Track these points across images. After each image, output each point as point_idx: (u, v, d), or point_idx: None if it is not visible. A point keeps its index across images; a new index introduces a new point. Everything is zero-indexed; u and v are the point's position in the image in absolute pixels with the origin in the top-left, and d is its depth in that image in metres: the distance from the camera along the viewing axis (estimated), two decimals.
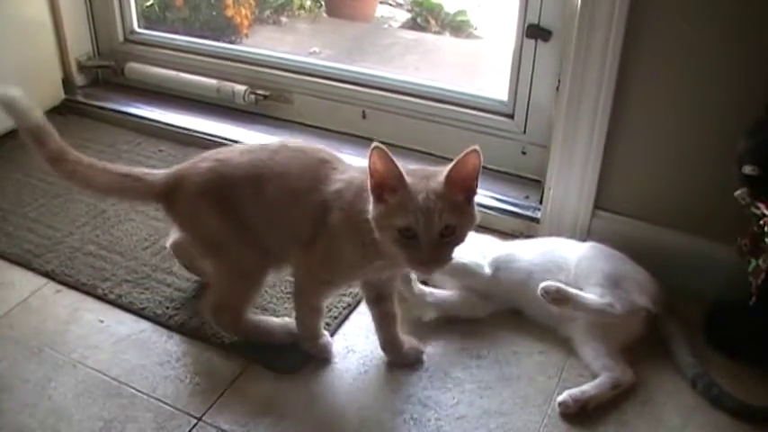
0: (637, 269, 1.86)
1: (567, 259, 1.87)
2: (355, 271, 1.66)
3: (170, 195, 1.75)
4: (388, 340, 1.80)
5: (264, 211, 1.69)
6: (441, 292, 1.92)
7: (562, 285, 1.74)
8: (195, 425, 1.62)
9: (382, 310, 1.77)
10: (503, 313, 1.92)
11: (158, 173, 1.78)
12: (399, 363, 1.80)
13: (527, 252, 1.93)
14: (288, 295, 1.93)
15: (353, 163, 1.70)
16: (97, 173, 1.75)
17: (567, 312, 1.77)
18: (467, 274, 1.88)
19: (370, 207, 1.48)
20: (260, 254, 1.73)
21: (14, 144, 2.65)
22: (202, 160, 1.76)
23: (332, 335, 1.86)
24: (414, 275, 1.85)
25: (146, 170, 1.80)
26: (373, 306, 1.78)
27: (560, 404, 1.66)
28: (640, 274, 1.85)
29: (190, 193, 1.72)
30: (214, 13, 3.73)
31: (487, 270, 1.89)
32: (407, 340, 1.81)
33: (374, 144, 1.42)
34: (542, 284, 1.73)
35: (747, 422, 1.64)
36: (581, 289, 1.78)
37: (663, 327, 1.81)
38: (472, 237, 1.58)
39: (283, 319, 1.86)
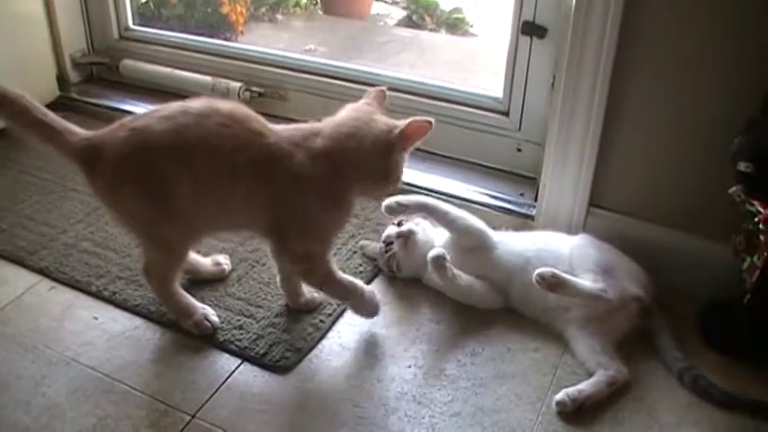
0: (627, 260, 1.88)
1: (561, 250, 1.88)
2: (338, 228, 1.79)
3: (89, 162, 1.67)
4: (290, 289, 1.91)
5: (196, 185, 1.64)
6: (468, 277, 1.91)
7: (557, 271, 1.74)
8: (189, 422, 1.62)
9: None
10: (497, 310, 1.92)
11: (80, 133, 1.70)
12: (294, 309, 1.91)
13: (520, 242, 1.96)
14: (282, 294, 1.93)
15: (276, 127, 1.71)
16: (22, 108, 1.68)
17: (564, 301, 1.78)
18: (475, 234, 1.94)
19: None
20: (182, 232, 1.74)
21: (8, 141, 2.64)
22: (119, 128, 1.67)
23: (325, 332, 1.86)
24: (449, 264, 1.86)
25: (70, 126, 1.71)
26: (280, 259, 1.87)
27: (558, 404, 1.66)
28: (631, 265, 1.87)
29: (108, 165, 1.65)
30: (209, 10, 3.73)
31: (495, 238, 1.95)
32: (308, 292, 1.92)
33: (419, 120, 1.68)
34: (538, 270, 1.74)
35: (733, 413, 1.64)
36: (575, 276, 1.79)
37: (649, 321, 1.82)
38: None
39: (206, 308, 1.86)
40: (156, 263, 1.81)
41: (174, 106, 1.67)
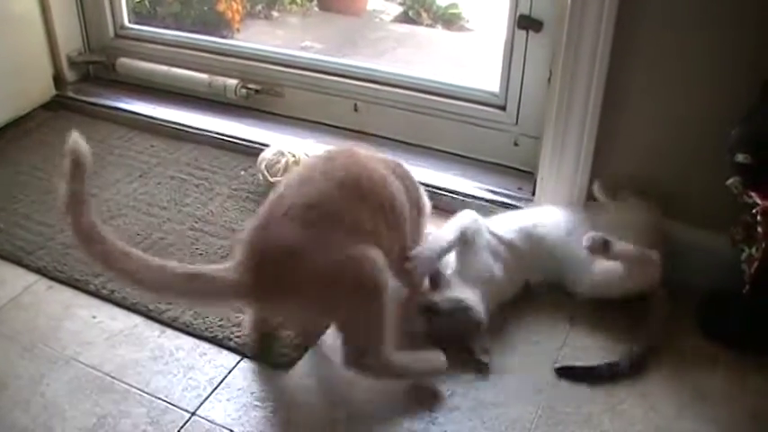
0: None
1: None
2: None
3: (260, 285, 1.51)
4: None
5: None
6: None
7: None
8: (189, 419, 1.62)
9: None
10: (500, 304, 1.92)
11: (229, 266, 1.54)
12: None
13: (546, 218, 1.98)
14: None
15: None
16: (148, 270, 1.48)
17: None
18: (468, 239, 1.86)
19: None
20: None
21: (4, 140, 2.65)
22: (269, 218, 1.55)
23: (324, 329, 1.85)
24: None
25: (212, 266, 1.56)
26: None
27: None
28: None
29: (298, 266, 1.49)
30: (205, 7, 3.73)
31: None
32: None
33: None
34: (589, 234, 1.79)
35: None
36: None
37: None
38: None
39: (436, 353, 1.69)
40: (370, 339, 1.58)
41: (299, 175, 1.65)
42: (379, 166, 1.69)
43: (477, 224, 1.88)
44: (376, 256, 1.53)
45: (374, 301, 1.53)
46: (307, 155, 2.29)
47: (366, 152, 1.74)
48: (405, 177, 1.77)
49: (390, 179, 1.68)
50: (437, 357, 1.67)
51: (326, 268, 1.49)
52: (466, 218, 1.88)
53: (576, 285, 1.89)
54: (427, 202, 1.88)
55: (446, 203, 2.19)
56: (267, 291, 1.52)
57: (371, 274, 1.52)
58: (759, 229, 1.59)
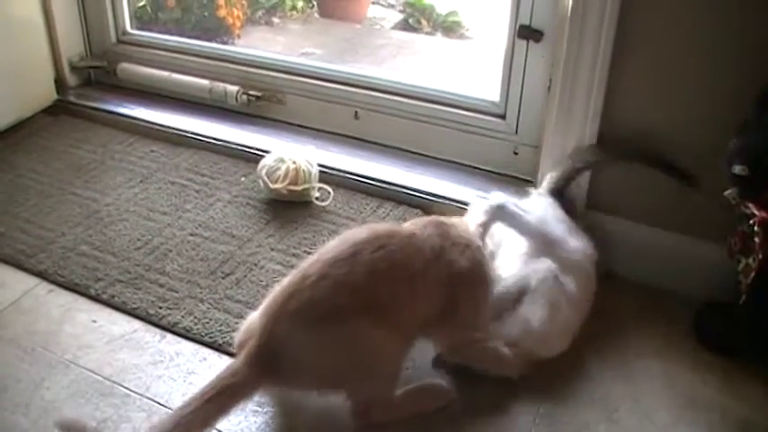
0: None
1: None
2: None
3: (270, 367, 1.51)
4: None
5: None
6: None
7: None
8: None
9: None
10: None
11: (235, 361, 1.55)
12: None
13: None
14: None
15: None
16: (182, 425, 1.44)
17: None
18: None
19: None
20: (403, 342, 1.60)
21: (5, 144, 2.66)
22: (278, 304, 1.53)
23: None
24: None
25: (218, 377, 1.52)
26: None
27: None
28: None
29: (303, 338, 1.50)
30: (206, 13, 3.74)
31: None
32: None
33: None
34: None
35: None
36: None
37: None
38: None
39: (435, 380, 1.72)
40: (374, 396, 1.61)
41: (328, 254, 1.56)
42: (403, 268, 1.57)
43: None
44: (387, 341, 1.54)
45: (383, 380, 1.59)
46: (308, 161, 2.30)
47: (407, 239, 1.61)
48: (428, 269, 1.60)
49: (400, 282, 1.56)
50: (442, 388, 1.69)
51: (337, 363, 1.53)
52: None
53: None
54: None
55: (445, 212, 2.19)
56: (271, 376, 1.54)
57: (385, 364, 1.57)
58: (756, 240, 1.60)
